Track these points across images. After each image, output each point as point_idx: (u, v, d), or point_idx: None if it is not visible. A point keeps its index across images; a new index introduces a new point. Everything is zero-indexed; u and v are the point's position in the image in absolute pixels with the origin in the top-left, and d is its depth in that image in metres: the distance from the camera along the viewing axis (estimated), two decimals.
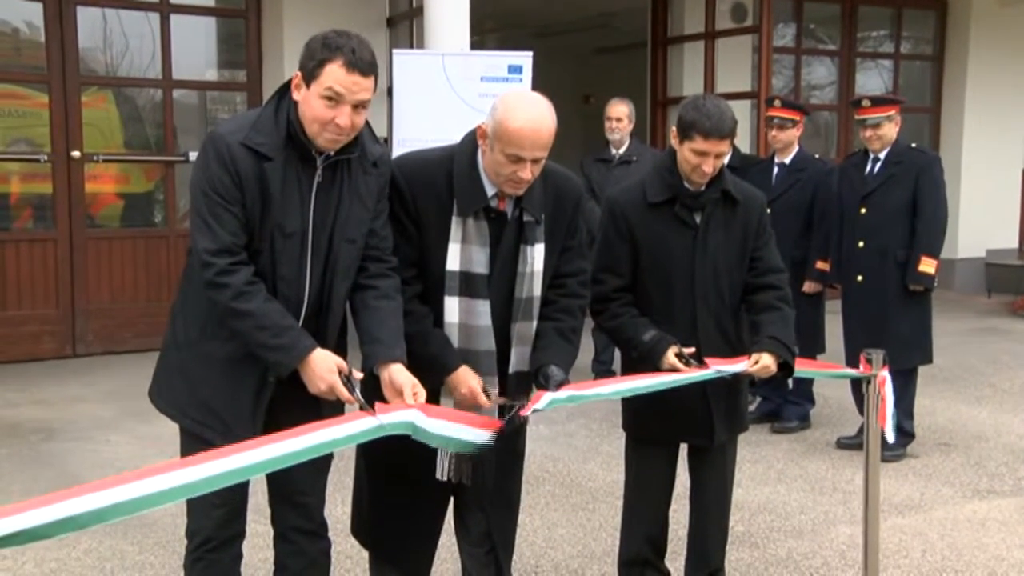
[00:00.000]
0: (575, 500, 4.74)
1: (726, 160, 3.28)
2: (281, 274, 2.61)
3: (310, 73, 2.51)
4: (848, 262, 5.49)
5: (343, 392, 2.53)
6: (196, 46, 8.55)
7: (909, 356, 5.28)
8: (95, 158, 7.82)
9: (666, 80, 10.01)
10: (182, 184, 8.01)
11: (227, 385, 2.63)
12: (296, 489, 2.78)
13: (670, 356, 3.11)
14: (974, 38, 11.10)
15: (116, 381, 6.92)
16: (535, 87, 5.81)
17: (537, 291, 2.89)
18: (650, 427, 3.36)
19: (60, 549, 4.03)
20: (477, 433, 2.60)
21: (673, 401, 3.16)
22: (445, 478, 2.79)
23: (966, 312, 9.88)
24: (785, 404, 5.94)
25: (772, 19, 8.83)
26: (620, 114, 6.74)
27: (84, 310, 7.78)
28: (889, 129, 5.30)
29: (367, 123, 2.66)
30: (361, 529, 3.11)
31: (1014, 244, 11.63)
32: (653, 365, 3.13)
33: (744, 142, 8.30)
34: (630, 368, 3.28)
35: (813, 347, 5.68)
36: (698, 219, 3.24)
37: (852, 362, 4.91)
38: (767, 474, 5.13)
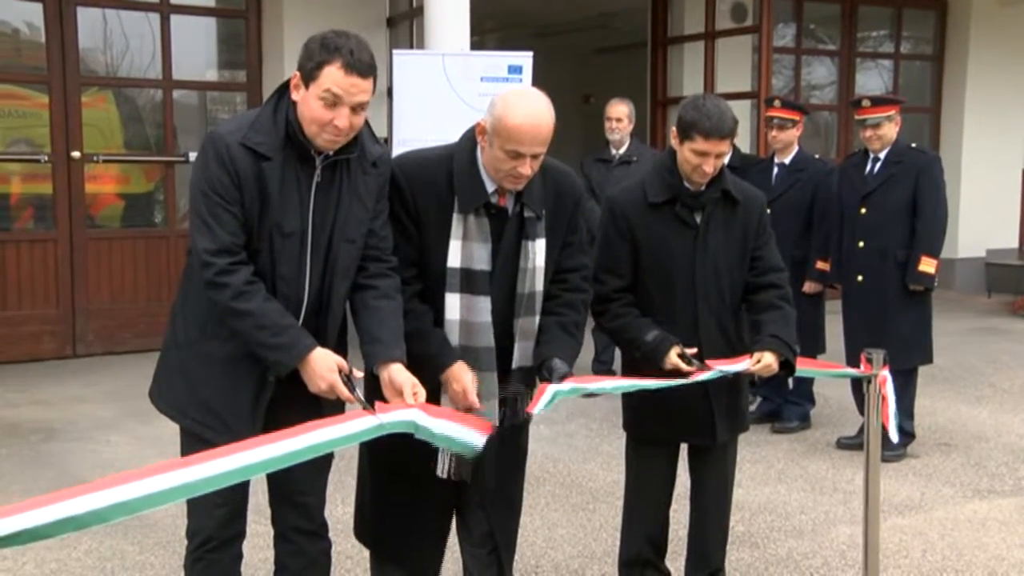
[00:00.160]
0: (575, 500, 4.73)
1: (726, 160, 3.28)
2: (280, 273, 2.61)
3: (309, 74, 2.51)
4: (848, 262, 5.49)
5: (343, 391, 2.53)
6: (196, 46, 8.54)
7: (909, 356, 5.28)
8: (95, 158, 7.81)
9: (666, 80, 10.00)
10: (182, 184, 8.01)
11: (227, 385, 2.64)
12: (296, 489, 2.78)
13: (673, 356, 3.12)
14: (974, 38, 11.09)
15: (116, 381, 6.91)
16: (535, 87, 5.79)
17: (539, 286, 2.89)
18: (651, 427, 3.37)
19: (61, 549, 4.03)
20: (475, 435, 2.59)
21: (674, 401, 3.16)
22: (446, 476, 2.79)
23: (966, 312, 9.88)
24: (785, 404, 5.94)
25: (772, 19, 8.82)
26: (620, 114, 6.74)
27: (84, 310, 7.78)
28: (889, 129, 5.30)
29: (367, 123, 2.66)
30: (364, 529, 3.10)
31: (1014, 244, 11.62)
32: (656, 365, 3.14)
33: (744, 142, 8.29)
34: (631, 368, 3.29)
35: (813, 347, 5.68)
36: (698, 219, 3.24)
37: (852, 362, 4.90)
38: (767, 474, 5.13)
